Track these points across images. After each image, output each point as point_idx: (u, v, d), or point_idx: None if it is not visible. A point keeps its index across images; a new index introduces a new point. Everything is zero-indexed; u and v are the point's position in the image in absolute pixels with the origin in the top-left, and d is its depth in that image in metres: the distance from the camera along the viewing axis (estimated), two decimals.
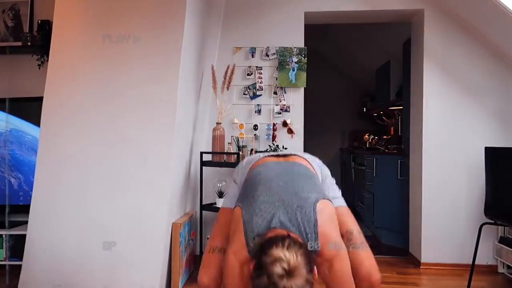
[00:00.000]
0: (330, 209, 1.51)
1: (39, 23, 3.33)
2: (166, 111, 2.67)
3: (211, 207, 3.09)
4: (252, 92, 3.46)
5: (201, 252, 3.12)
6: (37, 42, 3.27)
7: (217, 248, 1.63)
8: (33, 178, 2.70)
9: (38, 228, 2.63)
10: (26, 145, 3.20)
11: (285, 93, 3.44)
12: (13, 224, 3.06)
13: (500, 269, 3.22)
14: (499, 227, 3.19)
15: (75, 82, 2.75)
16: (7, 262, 2.96)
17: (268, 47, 3.44)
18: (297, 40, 3.44)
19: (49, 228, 2.63)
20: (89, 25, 2.78)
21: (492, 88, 3.30)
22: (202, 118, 3.43)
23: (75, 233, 2.61)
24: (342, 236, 1.52)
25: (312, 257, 1.34)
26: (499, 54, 3.27)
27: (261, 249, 1.28)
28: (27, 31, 3.40)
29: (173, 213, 2.79)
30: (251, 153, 3.12)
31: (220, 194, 3.06)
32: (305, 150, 3.55)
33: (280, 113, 3.43)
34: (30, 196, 2.69)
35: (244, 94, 3.47)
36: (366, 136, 6.20)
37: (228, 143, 3.21)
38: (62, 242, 2.61)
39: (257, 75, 3.45)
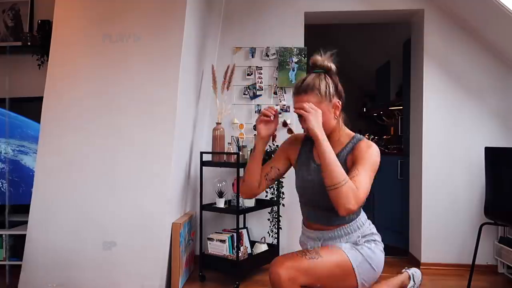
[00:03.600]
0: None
1: (39, 23, 3.33)
2: (166, 111, 2.67)
3: (211, 207, 3.09)
4: (252, 92, 3.46)
5: (201, 252, 3.12)
6: (37, 42, 3.27)
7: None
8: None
9: (38, 228, 2.63)
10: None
11: (285, 93, 3.44)
12: (13, 224, 3.05)
13: (500, 269, 3.22)
14: (499, 227, 3.18)
15: (75, 82, 2.75)
16: (7, 262, 2.96)
17: (268, 47, 3.44)
18: (297, 40, 3.44)
19: (49, 228, 2.63)
20: (89, 25, 2.78)
21: (492, 88, 3.30)
22: (202, 118, 3.43)
23: (75, 233, 2.61)
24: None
25: (341, 95, 1.63)
26: (499, 54, 3.27)
27: None
28: (27, 31, 3.40)
29: (173, 213, 2.79)
30: (251, 153, 3.11)
31: (220, 194, 3.06)
32: None
33: (280, 113, 3.43)
34: (30, 196, 2.69)
35: (244, 94, 3.47)
36: (366, 136, 6.20)
37: (228, 143, 3.21)
38: (62, 242, 2.61)
39: (257, 75, 3.45)
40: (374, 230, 1.69)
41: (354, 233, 1.62)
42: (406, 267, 2.16)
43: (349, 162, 1.56)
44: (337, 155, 1.54)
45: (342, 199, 1.38)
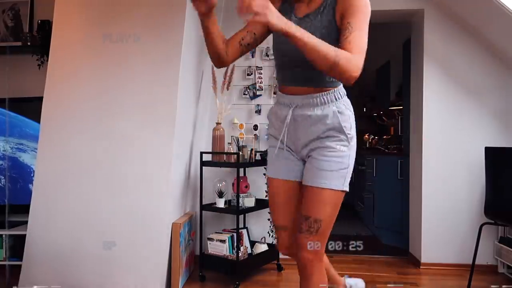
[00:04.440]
0: None
1: (39, 23, 3.33)
2: (166, 111, 2.67)
3: (211, 207, 3.09)
4: (252, 92, 3.46)
5: (201, 252, 3.12)
6: (37, 42, 3.27)
7: None
8: None
9: (38, 228, 2.63)
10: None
11: None
12: (13, 224, 3.05)
13: (500, 269, 3.22)
14: (499, 227, 3.18)
15: (75, 82, 2.75)
16: (7, 262, 2.96)
17: (268, 47, 3.43)
18: None
19: (49, 228, 2.63)
20: (89, 25, 2.78)
21: (492, 88, 3.30)
22: (202, 118, 3.43)
23: (75, 233, 2.61)
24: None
25: None
26: (499, 54, 3.26)
27: None
28: (27, 31, 3.40)
29: (173, 213, 2.79)
30: (251, 153, 3.12)
31: (220, 194, 3.06)
32: None
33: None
34: (30, 196, 2.69)
35: (244, 94, 3.47)
36: (366, 136, 6.20)
37: (228, 143, 3.21)
38: (62, 242, 2.61)
39: (257, 75, 3.45)
40: (350, 110, 1.56)
41: (330, 104, 1.50)
42: (347, 275, 2.10)
43: (338, 15, 1.42)
44: (317, 11, 1.46)
45: (344, 73, 1.27)
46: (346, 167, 1.51)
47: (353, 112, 1.58)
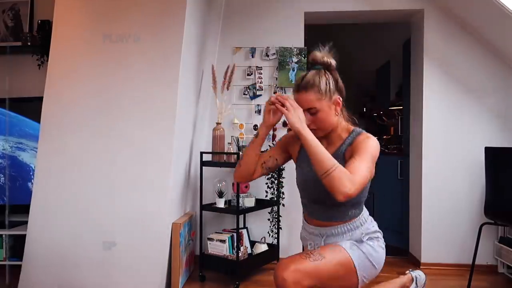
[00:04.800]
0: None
1: (39, 23, 3.33)
2: (166, 111, 2.67)
3: (211, 207, 3.09)
4: (252, 92, 3.46)
5: (201, 252, 3.12)
6: (37, 42, 3.27)
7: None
8: None
9: (38, 228, 2.63)
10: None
11: (285, 93, 3.44)
12: (13, 224, 3.06)
13: (500, 269, 3.22)
14: (499, 227, 3.19)
15: (75, 82, 2.75)
16: (7, 262, 2.96)
17: (268, 47, 3.44)
18: (297, 40, 3.44)
19: (49, 228, 2.63)
20: (89, 25, 2.78)
21: (492, 88, 3.30)
22: (202, 118, 3.43)
23: (75, 233, 2.61)
24: None
25: (343, 93, 1.62)
26: (499, 54, 3.27)
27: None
28: (27, 31, 3.40)
29: (173, 213, 2.79)
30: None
31: (220, 194, 3.06)
32: None
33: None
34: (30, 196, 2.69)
35: (244, 94, 3.47)
36: None
37: (228, 143, 3.21)
38: (62, 242, 2.61)
39: (257, 75, 3.45)
40: (377, 227, 1.70)
41: (357, 230, 1.62)
42: (410, 269, 2.16)
43: (348, 155, 1.55)
44: (337, 150, 1.58)
45: (336, 184, 1.35)
46: (363, 252, 1.58)
47: (376, 224, 1.70)
